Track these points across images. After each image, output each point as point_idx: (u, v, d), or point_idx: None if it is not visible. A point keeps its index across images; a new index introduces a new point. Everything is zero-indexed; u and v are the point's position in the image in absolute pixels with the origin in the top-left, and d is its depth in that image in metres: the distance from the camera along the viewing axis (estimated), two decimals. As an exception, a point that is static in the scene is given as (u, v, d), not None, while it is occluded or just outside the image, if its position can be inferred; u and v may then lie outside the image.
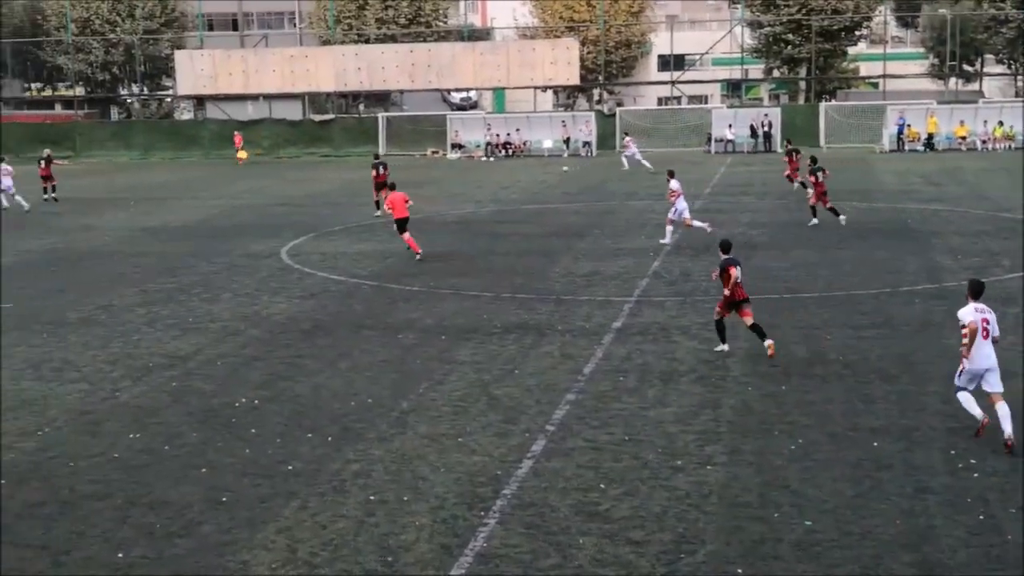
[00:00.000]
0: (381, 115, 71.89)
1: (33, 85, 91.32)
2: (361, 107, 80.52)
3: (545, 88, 75.58)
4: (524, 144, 68.28)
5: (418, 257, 28.00)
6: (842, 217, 32.17)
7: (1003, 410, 13.38)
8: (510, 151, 67.44)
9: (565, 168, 54.77)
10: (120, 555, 10.97)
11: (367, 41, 75.61)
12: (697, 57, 78.02)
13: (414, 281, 25.42)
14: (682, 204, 30.19)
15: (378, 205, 36.29)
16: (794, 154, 41.88)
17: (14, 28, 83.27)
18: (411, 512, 11.85)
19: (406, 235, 28.44)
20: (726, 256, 18.13)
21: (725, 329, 18.35)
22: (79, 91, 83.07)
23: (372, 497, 12.31)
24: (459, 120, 71.33)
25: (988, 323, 13.61)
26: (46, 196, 44.98)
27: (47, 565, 10.82)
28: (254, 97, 73.73)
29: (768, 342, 17.75)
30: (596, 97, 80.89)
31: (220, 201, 44.32)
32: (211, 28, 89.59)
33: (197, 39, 79.47)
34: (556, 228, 34.05)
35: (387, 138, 69.65)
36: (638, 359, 18.10)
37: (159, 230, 35.70)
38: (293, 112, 74.57)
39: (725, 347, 18.26)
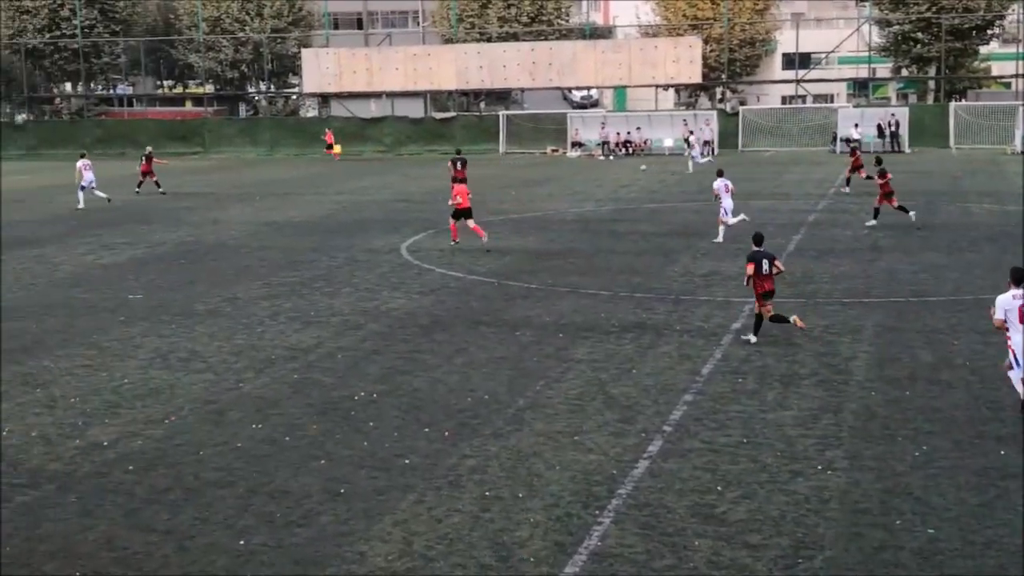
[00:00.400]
0: (502, 113, 72.28)
1: (165, 82, 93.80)
2: (482, 105, 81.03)
3: (667, 87, 75.12)
4: (645, 143, 67.97)
5: (455, 243, 30.38)
6: (912, 213, 32.11)
7: None
8: (630, 150, 67.18)
9: (643, 167, 54.61)
10: (242, 542, 11.21)
11: (489, 40, 76.01)
12: (823, 56, 76.79)
13: (532, 279, 25.48)
14: (728, 203, 30.53)
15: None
16: (856, 151, 43.69)
17: (148, 27, 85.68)
18: (526, 509, 11.88)
19: (458, 223, 30.20)
20: (755, 249, 19.33)
21: (761, 322, 19.04)
22: (209, 88, 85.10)
23: (487, 493, 12.37)
24: (579, 118, 71.30)
25: None
26: (161, 190, 46.55)
27: (172, 550, 11.11)
28: (377, 95, 74.69)
29: (793, 317, 18.99)
30: (718, 96, 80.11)
31: (342, 197, 44.98)
32: (337, 27, 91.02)
33: (323, 38, 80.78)
34: (675, 227, 33.82)
35: (507, 136, 69.97)
36: (757, 361, 17.88)
37: (283, 225, 36.38)
38: (415, 110, 75.42)
39: (753, 338, 18.96)
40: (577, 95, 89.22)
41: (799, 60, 75.13)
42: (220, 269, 27.90)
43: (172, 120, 78.36)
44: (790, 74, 77.26)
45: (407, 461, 13.45)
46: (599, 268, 26.88)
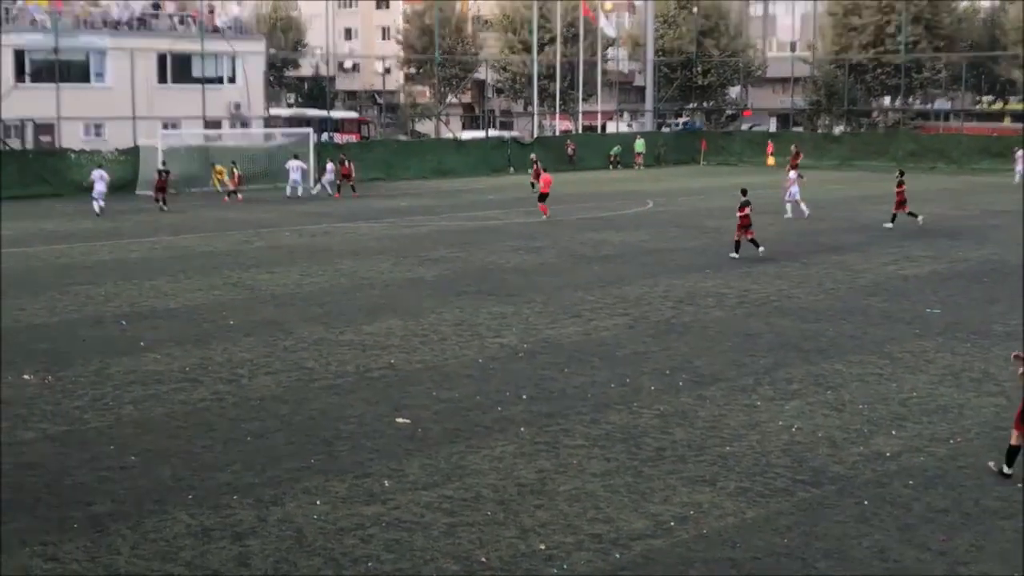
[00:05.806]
0: None
1: (984, 98, 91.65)
2: None
3: None
4: None
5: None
6: (761, 249, 31.83)
7: None
8: None
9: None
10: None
11: None
12: None
13: None
14: (794, 189, 41.95)
15: None
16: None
17: (972, 43, 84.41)
18: None
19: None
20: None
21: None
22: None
23: None
24: None
25: None
26: (329, 193, 53.34)
27: (943, 571, 10.80)
28: None
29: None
30: None
31: None
32: None
33: None
34: None
35: None
36: None
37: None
38: None
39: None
40: None
41: None
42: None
43: (988, 136, 76.12)
44: None
45: None
46: None
